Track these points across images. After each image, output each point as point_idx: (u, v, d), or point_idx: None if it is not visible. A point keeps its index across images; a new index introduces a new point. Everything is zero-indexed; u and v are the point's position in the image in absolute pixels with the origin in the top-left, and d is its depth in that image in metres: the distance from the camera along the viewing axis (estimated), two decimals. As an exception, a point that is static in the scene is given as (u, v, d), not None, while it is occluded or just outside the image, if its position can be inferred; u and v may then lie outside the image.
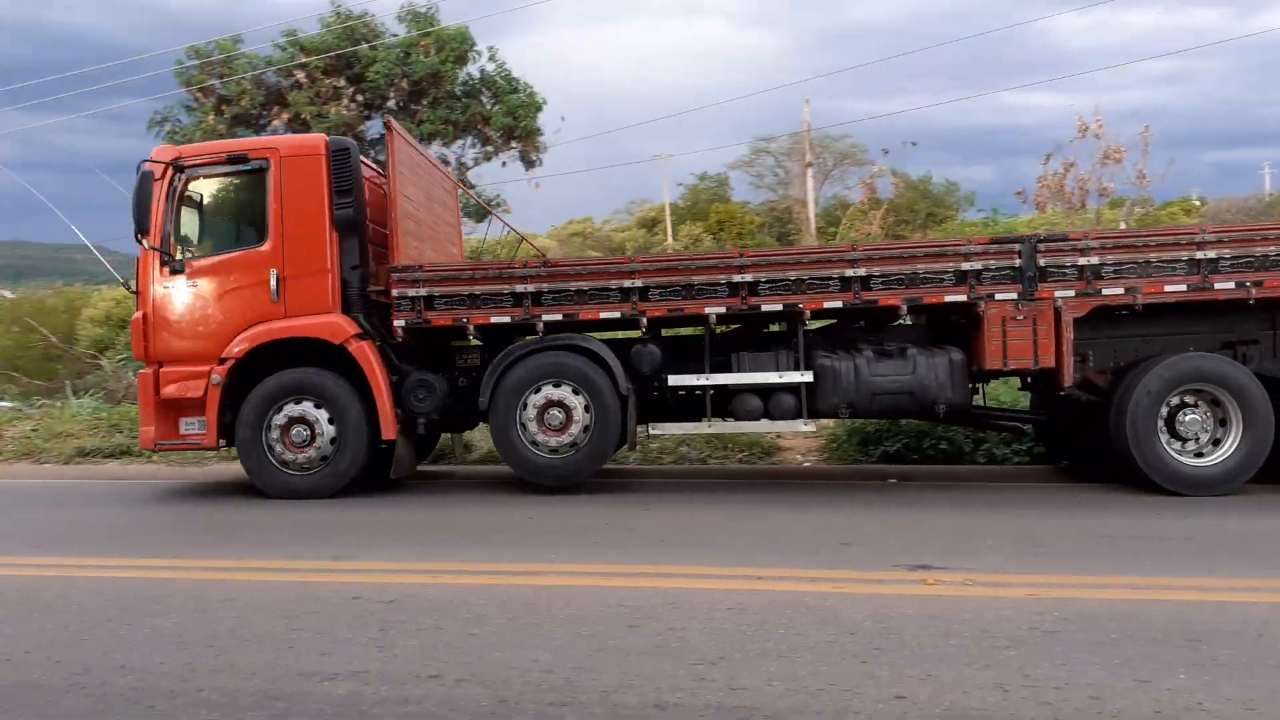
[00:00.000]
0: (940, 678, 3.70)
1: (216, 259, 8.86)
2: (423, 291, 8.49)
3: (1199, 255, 7.71)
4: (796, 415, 8.33)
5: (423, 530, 7.10)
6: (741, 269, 8.22)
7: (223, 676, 3.81)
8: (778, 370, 8.35)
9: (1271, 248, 7.71)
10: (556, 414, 8.37)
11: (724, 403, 8.52)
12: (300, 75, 20.01)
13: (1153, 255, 7.78)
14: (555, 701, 3.49)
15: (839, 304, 8.13)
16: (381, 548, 6.35)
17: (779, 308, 8.24)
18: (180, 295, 8.73)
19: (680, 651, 4.01)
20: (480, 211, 22.43)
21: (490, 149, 21.96)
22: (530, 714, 3.40)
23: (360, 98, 20.48)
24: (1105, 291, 7.81)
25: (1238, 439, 7.65)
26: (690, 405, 8.67)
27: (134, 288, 8.99)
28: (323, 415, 8.54)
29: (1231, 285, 7.72)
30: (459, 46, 20.40)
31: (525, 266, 8.59)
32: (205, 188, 9.01)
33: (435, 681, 3.71)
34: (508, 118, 20.86)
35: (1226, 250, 7.71)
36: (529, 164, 22.20)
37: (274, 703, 3.51)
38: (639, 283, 8.30)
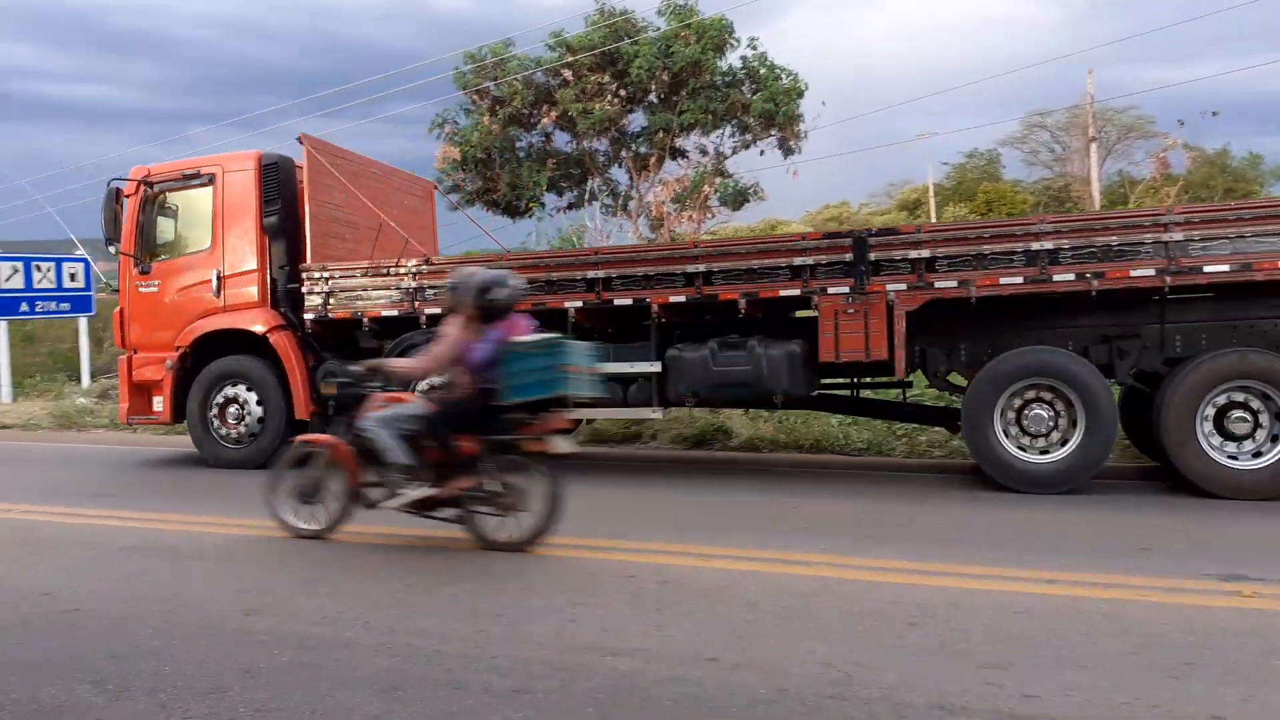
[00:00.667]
0: (1265, 700, 3.32)
1: (174, 262, 10.25)
2: (326, 288, 9.49)
3: (1036, 246, 7.43)
4: (649, 403, 8.67)
5: (685, 514, 7.21)
6: (596, 265, 8.64)
7: (511, 645, 4.02)
8: (631, 361, 8.65)
9: (1113, 238, 7.31)
10: None
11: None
12: (567, 73, 20.87)
13: (987, 248, 7.57)
14: (835, 695, 3.43)
15: (683, 298, 8.38)
16: (649, 528, 6.49)
17: (630, 302, 8.56)
18: (147, 293, 10.25)
19: (965, 654, 3.82)
20: (736, 199, 22.55)
21: (749, 137, 22.00)
22: (809, 705, 3.35)
23: (623, 92, 21.10)
24: (938, 285, 7.69)
25: (1080, 436, 7.43)
26: None
27: (115, 287, 10.46)
28: (252, 397, 9.79)
29: (1071, 277, 7.39)
30: (717, 35, 20.55)
31: (411, 264, 9.26)
32: (168, 201, 10.34)
33: (713, 665, 3.75)
34: (768, 104, 20.79)
35: (1065, 241, 7.40)
36: (787, 151, 22.04)
37: (561, 673, 3.66)
38: None
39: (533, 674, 3.66)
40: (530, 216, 21.68)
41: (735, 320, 8.55)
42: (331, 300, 9.48)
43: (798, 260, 8.04)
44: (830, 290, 7.94)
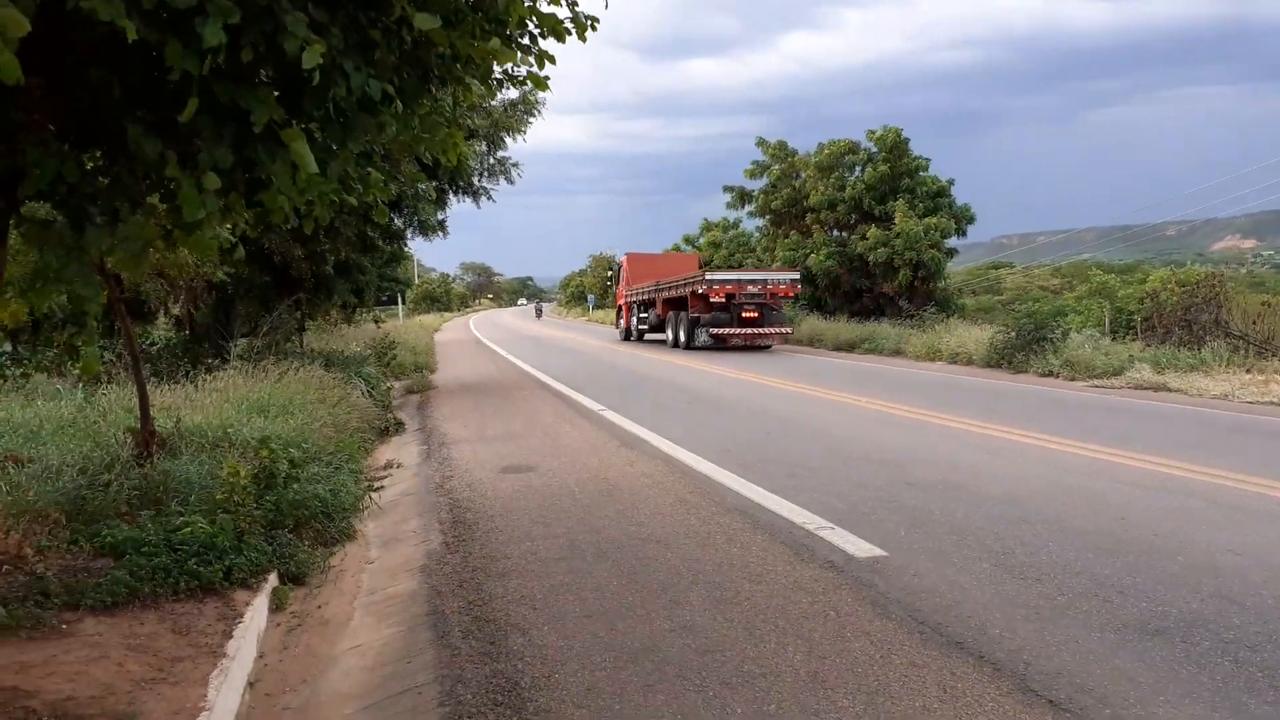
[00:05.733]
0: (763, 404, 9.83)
1: (619, 287, 39.30)
2: (625, 293, 37.18)
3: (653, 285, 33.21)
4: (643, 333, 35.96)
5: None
6: (711, 284, 27.94)
7: None
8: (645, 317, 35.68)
9: (667, 280, 31.72)
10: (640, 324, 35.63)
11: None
12: None
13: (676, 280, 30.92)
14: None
15: (641, 298, 35.03)
16: None
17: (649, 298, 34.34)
18: (617, 292, 40.10)
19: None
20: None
21: None
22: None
23: None
24: (708, 291, 27.75)
25: (683, 330, 29.05)
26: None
27: (613, 290, 45.80)
28: (623, 321, 38.12)
29: (687, 293, 28.76)
30: None
31: (633, 283, 35.52)
32: (614, 270, 44.27)
33: None
34: None
35: (666, 285, 31.27)
36: None
37: None
38: (650, 291, 33.76)
39: None
40: None
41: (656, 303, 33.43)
42: (626, 297, 36.27)
43: (687, 284, 28.76)
44: (688, 291, 28.38)
